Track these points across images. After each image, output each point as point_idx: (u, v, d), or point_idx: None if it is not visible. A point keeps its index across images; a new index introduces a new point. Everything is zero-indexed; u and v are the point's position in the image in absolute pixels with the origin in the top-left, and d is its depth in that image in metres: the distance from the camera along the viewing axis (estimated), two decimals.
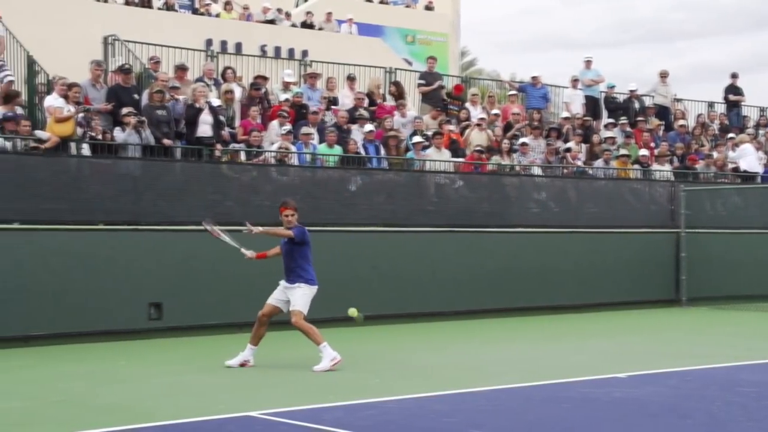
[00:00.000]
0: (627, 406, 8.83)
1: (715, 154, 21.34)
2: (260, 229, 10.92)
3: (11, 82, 14.79)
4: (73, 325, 12.99)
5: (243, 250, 11.02)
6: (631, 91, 22.22)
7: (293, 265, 10.90)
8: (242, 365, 10.93)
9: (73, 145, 14.05)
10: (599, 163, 19.50)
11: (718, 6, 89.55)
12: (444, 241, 16.51)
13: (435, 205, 16.89)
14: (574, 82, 21.47)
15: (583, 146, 19.94)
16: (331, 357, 10.81)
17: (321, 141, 16.42)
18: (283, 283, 11.00)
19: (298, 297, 10.87)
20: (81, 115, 14.21)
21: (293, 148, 15.90)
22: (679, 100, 23.56)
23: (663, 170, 20.22)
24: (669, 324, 16.75)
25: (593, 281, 17.97)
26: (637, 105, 22.07)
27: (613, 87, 22.20)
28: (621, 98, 22.20)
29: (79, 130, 14.16)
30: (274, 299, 10.97)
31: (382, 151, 17.09)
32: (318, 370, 10.70)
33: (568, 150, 19.31)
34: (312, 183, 15.63)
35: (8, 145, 13.64)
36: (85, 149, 14.16)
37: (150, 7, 21.60)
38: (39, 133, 13.98)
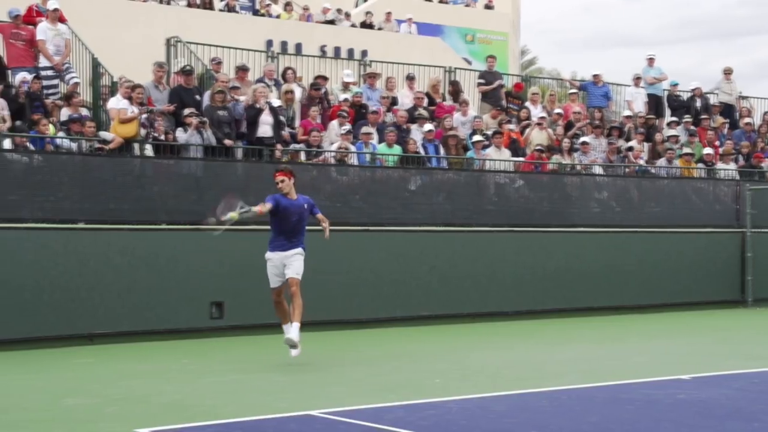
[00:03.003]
0: (691, 409, 8.70)
1: None
2: (326, 228, 11.03)
3: (77, 83, 15.04)
4: (137, 324, 13.15)
5: (253, 209, 10.69)
6: (695, 88, 21.90)
7: (300, 229, 10.89)
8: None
9: (136, 145, 14.23)
10: (662, 162, 19.26)
11: None
12: (504, 241, 16.43)
13: (495, 204, 16.81)
14: (637, 80, 21.21)
15: (646, 145, 19.71)
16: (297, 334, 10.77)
17: (380, 141, 16.43)
18: (275, 254, 10.82)
19: (299, 264, 10.82)
20: (144, 116, 14.39)
21: (353, 148, 15.93)
22: (744, 98, 23.15)
23: (728, 169, 19.91)
24: (734, 325, 16.49)
25: (656, 281, 17.76)
26: (699, 103, 21.75)
27: (676, 85, 21.90)
28: (684, 96, 21.89)
29: (143, 131, 14.35)
30: (278, 278, 10.86)
31: (442, 151, 17.06)
32: (291, 338, 10.66)
33: (630, 149, 19.10)
34: (371, 183, 15.65)
35: (73, 146, 13.86)
36: (148, 150, 14.33)
37: (211, 8, 21.82)
38: (103, 134, 14.18)
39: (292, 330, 10.74)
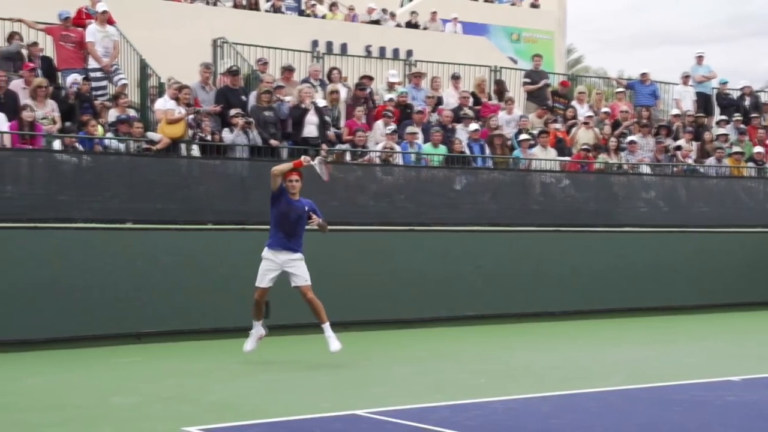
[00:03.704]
0: (741, 411, 8.60)
1: None
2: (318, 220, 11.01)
3: (125, 85, 15.19)
4: (184, 323, 13.24)
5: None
6: (744, 86, 21.62)
7: (299, 232, 10.92)
8: (260, 339, 11.13)
9: (183, 146, 14.34)
10: (711, 161, 19.05)
11: None
12: (550, 241, 16.33)
13: (540, 204, 16.72)
14: (685, 78, 21.00)
15: (695, 144, 19.50)
16: (335, 337, 10.89)
17: (426, 140, 16.41)
18: (274, 254, 10.84)
19: (305, 270, 10.89)
20: (191, 116, 14.50)
21: (398, 148, 15.93)
22: None
23: None
24: None
25: (704, 282, 17.55)
26: (748, 101, 21.45)
27: (725, 83, 21.65)
28: (734, 94, 21.63)
29: (189, 132, 14.45)
30: (271, 280, 10.91)
31: (487, 150, 17.00)
32: (335, 350, 10.78)
33: (679, 148, 18.91)
34: (417, 182, 15.64)
35: (121, 146, 13.99)
36: (195, 150, 14.43)
37: (257, 9, 21.93)
38: (151, 135, 14.31)
39: (330, 335, 10.85)
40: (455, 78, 18.92)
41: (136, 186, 13.51)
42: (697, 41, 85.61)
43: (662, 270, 17.13)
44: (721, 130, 19.91)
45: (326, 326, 10.85)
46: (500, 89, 19.47)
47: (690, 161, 18.99)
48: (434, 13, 25.58)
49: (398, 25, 24.94)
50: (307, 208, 10.97)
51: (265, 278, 10.94)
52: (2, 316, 12.08)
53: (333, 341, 10.82)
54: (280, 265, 10.88)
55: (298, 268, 10.88)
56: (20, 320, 12.20)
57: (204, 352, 12.41)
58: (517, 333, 14.65)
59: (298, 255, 10.91)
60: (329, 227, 11.25)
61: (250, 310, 11.27)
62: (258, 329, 11.21)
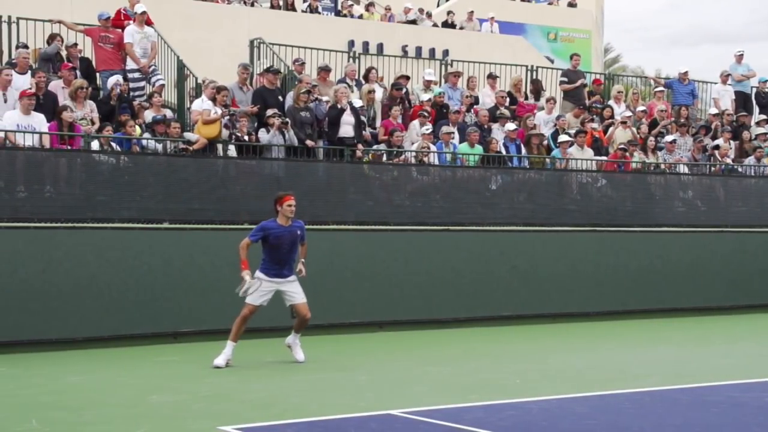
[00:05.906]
0: None
1: None
2: (303, 268, 11.19)
3: (162, 85, 15.31)
4: (220, 323, 13.25)
5: (245, 278, 10.98)
6: None
7: (291, 258, 11.09)
8: (228, 362, 10.97)
9: (220, 146, 14.43)
10: (750, 160, 18.89)
11: None
12: (586, 241, 16.27)
13: (577, 204, 16.66)
14: (725, 77, 20.82)
15: (733, 143, 19.34)
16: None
17: (462, 140, 16.40)
18: (267, 278, 10.96)
19: (300, 289, 11.09)
20: (226, 117, 14.58)
21: (434, 148, 15.94)
22: None
23: None
24: None
25: (742, 282, 17.40)
26: None
27: (765, 81, 21.42)
28: None
29: (225, 132, 14.54)
30: (262, 299, 11.01)
31: (523, 150, 16.96)
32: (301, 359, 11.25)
33: (717, 147, 18.77)
34: (452, 182, 15.64)
35: (159, 146, 14.11)
36: (231, 150, 14.52)
37: (294, 10, 22.03)
38: (188, 135, 14.42)
39: (298, 348, 11.32)
40: (492, 77, 18.89)
41: (173, 186, 13.62)
42: (737, 39, 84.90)
43: (699, 270, 17.01)
44: (761, 129, 19.75)
45: (294, 338, 11.31)
46: (536, 89, 19.43)
47: (728, 160, 18.84)
48: (471, 12, 25.56)
49: (435, 25, 24.95)
50: (299, 232, 11.09)
51: (258, 297, 11.02)
52: (42, 316, 12.23)
53: (299, 351, 11.30)
54: (276, 288, 11.06)
55: (293, 286, 11.10)
56: (59, 319, 12.33)
57: (241, 351, 12.45)
58: (553, 333, 14.60)
59: (292, 277, 11.13)
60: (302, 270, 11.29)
61: (289, 309, 11.27)
62: (230, 351, 11.05)
